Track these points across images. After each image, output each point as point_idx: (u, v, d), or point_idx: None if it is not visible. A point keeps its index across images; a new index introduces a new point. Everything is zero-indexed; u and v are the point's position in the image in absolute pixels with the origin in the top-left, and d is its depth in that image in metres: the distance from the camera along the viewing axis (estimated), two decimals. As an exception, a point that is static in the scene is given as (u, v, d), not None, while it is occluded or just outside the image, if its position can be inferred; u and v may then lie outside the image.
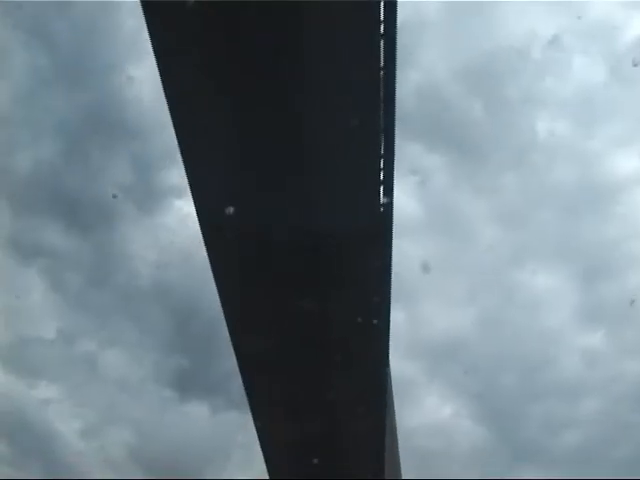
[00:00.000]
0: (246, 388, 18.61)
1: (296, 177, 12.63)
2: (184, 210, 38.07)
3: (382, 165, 12.58)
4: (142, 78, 32.96)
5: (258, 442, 20.67)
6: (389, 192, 13.01)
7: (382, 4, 10.32)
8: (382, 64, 10.97)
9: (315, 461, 19.51)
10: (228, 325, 16.57)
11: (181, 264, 37.04)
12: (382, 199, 13.11)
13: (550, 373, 39.12)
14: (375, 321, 15.78)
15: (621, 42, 32.91)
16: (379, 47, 10.82)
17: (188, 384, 37.99)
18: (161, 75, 11.27)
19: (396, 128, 11.99)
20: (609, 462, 36.65)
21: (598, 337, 39.68)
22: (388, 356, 17.12)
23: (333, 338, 16.00)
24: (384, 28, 10.59)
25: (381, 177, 12.75)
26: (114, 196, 33.32)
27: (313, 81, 11.10)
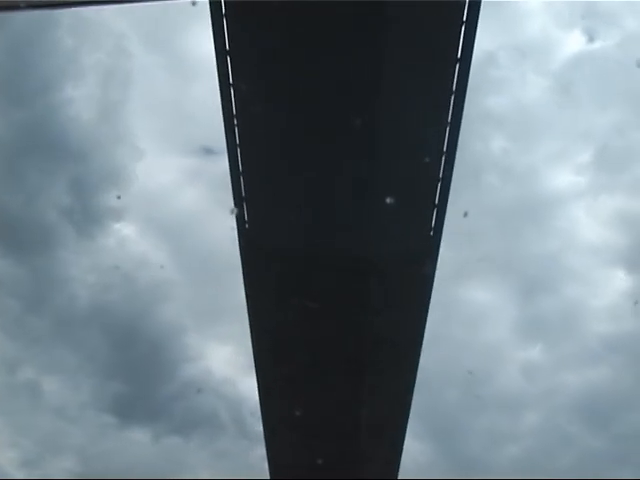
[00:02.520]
0: (263, 411, 18.10)
1: (349, 199, 12.30)
2: (123, 232, 38.55)
3: (439, 188, 12.30)
4: (82, 98, 33.38)
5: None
6: (442, 215, 12.75)
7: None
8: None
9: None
10: (254, 347, 16.08)
11: (121, 288, 36.90)
12: (434, 222, 12.83)
13: (491, 387, 39.31)
14: (409, 345, 15.50)
15: (557, 60, 33.68)
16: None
17: (128, 410, 37.63)
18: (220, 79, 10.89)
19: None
20: (551, 474, 37.56)
21: (537, 351, 39.69)
22: (415, 379, 16.82)
23: (366, 360, 15.61)
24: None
25: (436, 200, 12.48)
26: (118, 197, 32.74)
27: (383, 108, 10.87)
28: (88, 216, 35.91)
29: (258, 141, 11.76)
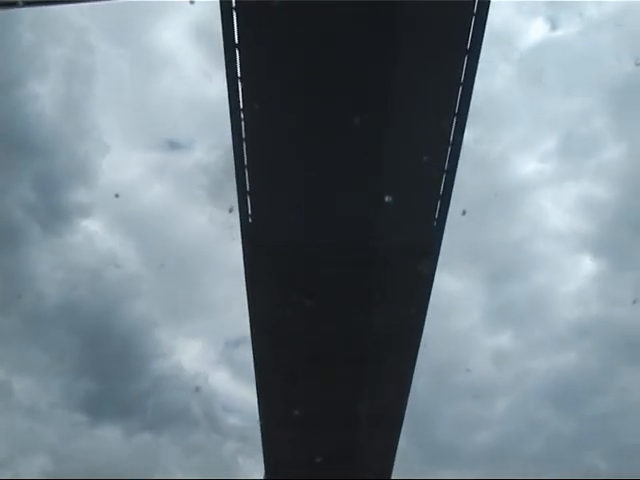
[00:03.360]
0: (261, 408, 18.07)
1: (353, 192, 12.31)
2: (90, 229, 38.32)
3: (444, 180, 12.38)
4: (45, 93, 33.03)
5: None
6: (446, 207, 12.83)
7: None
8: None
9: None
10: (253, 342, 16.04)
11: (89, 284, 36.67)
12: (437, 214, 12.91)
13: (461, 375, 40.13)
14: (409, 337, 15.59)
15: (521, 48, 34.19)
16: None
17: (99, 407, 37.49)
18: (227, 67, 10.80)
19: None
20: (521, 459, 38.33)
21: (506, 337, 40.51)
22: (413, 371, 16.92)
23: (366, 353, 15.67)
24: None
25: (440, 192, 12.55)
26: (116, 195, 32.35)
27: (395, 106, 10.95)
28: (54, 213, 35.47)
29: (263, 135, 11.69)
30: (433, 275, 14.23)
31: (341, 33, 10.06)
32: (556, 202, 40.71)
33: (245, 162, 12.00)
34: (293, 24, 10.00)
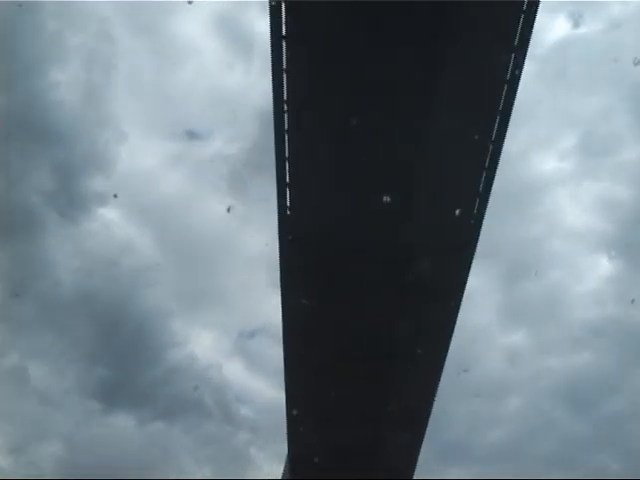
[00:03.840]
0: (288, 397, 18.15)
1: (390, 189, 12.33)
2: (107, 217, 38.54)
3: (483, 177, 12.37)
4: (65, 82, 33.28)
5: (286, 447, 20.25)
6: (484, 205, 12.81)
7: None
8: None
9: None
10: (284, 333, 16.12)
11: (105, 273, 36.86)
12: (476, 211, 12.89)
13: (475, 372, 39.95)
14: (440, 335, 15.58)
15: (543, 45, 33.85)
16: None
17: (113, 395, 37.71)
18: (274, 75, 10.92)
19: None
20: (533, 458, 37.99)
21: (520, 335, 40.56)
22: (442, 371, 16.89)
23: (396, 350, 15.68)
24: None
25: (480, 189, 12.53)
26: (115, 195, 32.56)
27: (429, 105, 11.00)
28: (72, 200, 35.80)
29: (306, 129, 11.76)
30: (468, 272, 14.19)
31: (385, 35, 10.13)
32: (574, 201, 40.42)
33: (286, 154, 12.06)
34: (342, 24, 10.11)
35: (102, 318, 36.19)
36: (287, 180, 12.53)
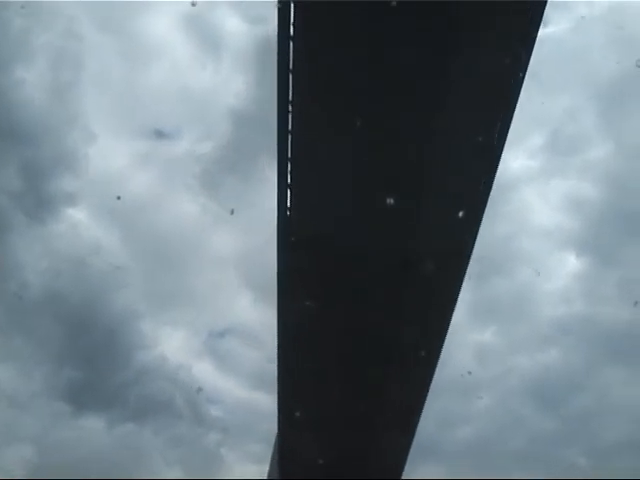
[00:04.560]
0: (280, 398, 18.07)
1: (395, 193, 12.37)
2: (76, 218, 38.10)
3: (484, 179, 12.49)
4: (32, 80, 32.84)
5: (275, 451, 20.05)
6: (483, 206, 12.94)
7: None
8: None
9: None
10: (279, 336, 16.06)
11: (74, 273, 36.40)
12: (475, 213, 13.01)
13: (444, 370, 40.32)
14: (433, 340, 15.68)
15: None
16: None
17: (82, 397, 37.22)
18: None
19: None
20: (502, 455, 38.38)
21: (489, 334, 40.78)
22: (434, 374, 16.99)
23: (395, 353, 15.72)
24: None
25: (480, 191, 12.65)
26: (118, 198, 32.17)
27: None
28: (40, 201, 35.24)
29: (310, 130, 11.73)
30: (463, 277, 14.28)
31: (392, 33, 10.19)
32: (542, 199, 41.04)
33: (289, 155, 12.02)
34: (347, 26, 10.16)
35: (71, 319, 35.71)
36: (289, 181, 12.48)
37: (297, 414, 18.08)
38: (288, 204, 12.93)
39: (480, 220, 13.18)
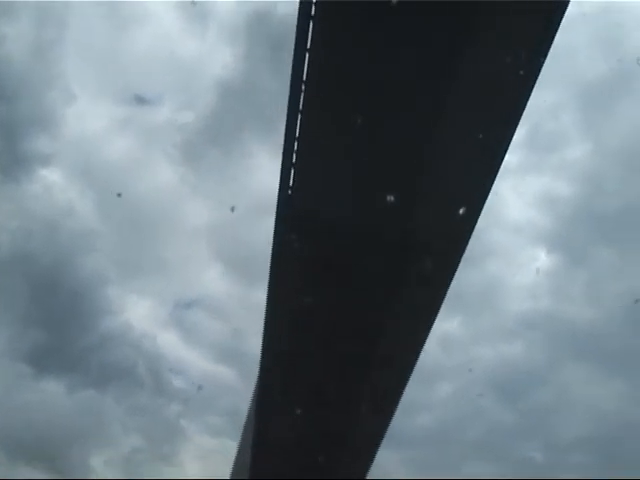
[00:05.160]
0: (261, 383, 18.20)
1: (398, 184, 12.54)
2: (50, 179, 37.46)
3: (485, 176, 12.66)
4: (13, 36, 32.00)
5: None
6: (482, 204, 13.13)
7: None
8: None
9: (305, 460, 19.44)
10: (267, 317, 16.15)
11: (44, 235, 35.95)
12: (473, 209, 13.19)
13: None
14: (416, 336, 15.90)
15: None
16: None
17: (45, 360, 36.99)
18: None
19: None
20: (459, 444, 38.91)
21: (455, 324, 41.50)
22: (410, 375, 17.25)
23: (377, 338, 15.89)
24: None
25: (481, 187, 12.83)
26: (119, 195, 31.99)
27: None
28: (15, 159, 34.80)
29: (320, 111, 11.81)
30: (458, 263, 14.43)
31: (405, 39, 10.37)
32: (517, 194, 41.45)
33: (297, 134, 12.08)
34: (368, 16, 10.27)
35: (38, 281, 35.53)
36: (293, 160, 12.54)
37: (276, 393, 18.20)
38: (290, 183, 12.98)
39: (477, 217, 13.35)
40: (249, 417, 22.03)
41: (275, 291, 15.26)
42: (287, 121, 12.01)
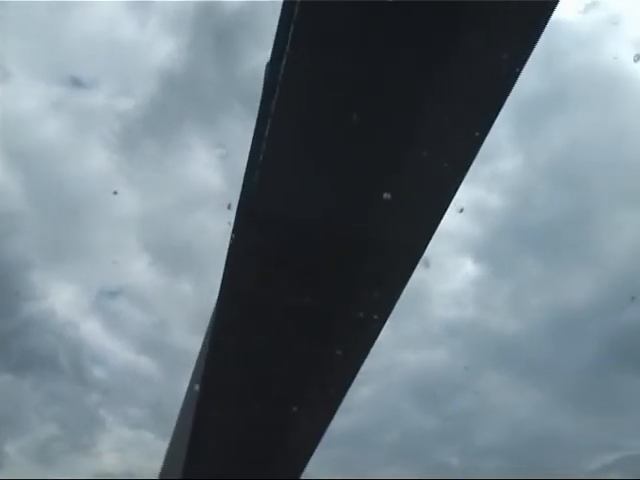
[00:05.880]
0: (205, 375, 17.95)
1: (366, 189, 12.60)
2: None
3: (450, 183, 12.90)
4: None
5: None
6: (444, 210, 13.37)
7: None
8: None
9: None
10: (217, 309, 15.96)
11: None
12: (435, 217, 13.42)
13: None
14: (371, 329, 16.08)
15: None
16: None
17: None
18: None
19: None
20: (377, 447, 40.13)
21: None
22: (356, 374, 17.49)
23: (327, 339, 16.00)
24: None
25: (445, 195, 13.05)
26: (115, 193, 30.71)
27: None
28: None
29: (292, 111, 11.69)
30: (414, 268, 14.67)
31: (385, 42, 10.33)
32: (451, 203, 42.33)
33: (266, 133, 11.94)
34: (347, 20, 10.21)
35: None
36: (260, 158, 12.40)
37: (218, 388, 18.02)
38: (256, 180, 12.82)
39: (437, 224, 13.60)
40: (183, 412, 21.67)
41: (228, 286, 15.06)
42: (258, 119, 11.83)
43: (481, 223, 38.98)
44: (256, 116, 11.88)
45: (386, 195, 12.67)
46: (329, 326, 15.45)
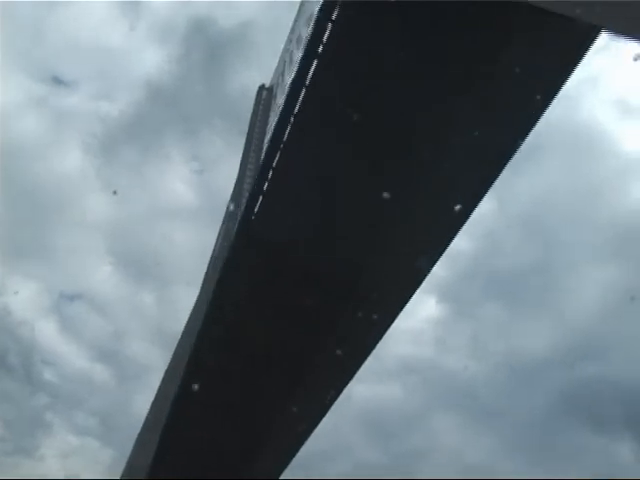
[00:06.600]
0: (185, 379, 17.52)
1: (362, 228, 12.36)
2: None
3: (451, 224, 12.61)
4: None
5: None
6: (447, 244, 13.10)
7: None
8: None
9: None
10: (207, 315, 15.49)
11: None
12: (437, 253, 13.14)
13: None
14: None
15: None
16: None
17: None
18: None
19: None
20: (329, 475, 40.38)
21: None
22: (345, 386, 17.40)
23: (319, 346, 15.67)
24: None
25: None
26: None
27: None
28: None
29: (301, 146, 11.20)
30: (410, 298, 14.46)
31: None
32: None
33: (274, 164, 11.43)
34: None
35: None
36: (264, 188, 11.87)
37: (195, 387, 17.58)
38: (256, 208, 12.32)
39: (439, 257, 13.31)
40: (153, 415, 21.11)
41: (218, 298, 14.62)
42: (267, 151, 11.32)
43: (449, 264, 39.01)
44: (264, 150, 11.33)
45: (380, 245, 12.52)
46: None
